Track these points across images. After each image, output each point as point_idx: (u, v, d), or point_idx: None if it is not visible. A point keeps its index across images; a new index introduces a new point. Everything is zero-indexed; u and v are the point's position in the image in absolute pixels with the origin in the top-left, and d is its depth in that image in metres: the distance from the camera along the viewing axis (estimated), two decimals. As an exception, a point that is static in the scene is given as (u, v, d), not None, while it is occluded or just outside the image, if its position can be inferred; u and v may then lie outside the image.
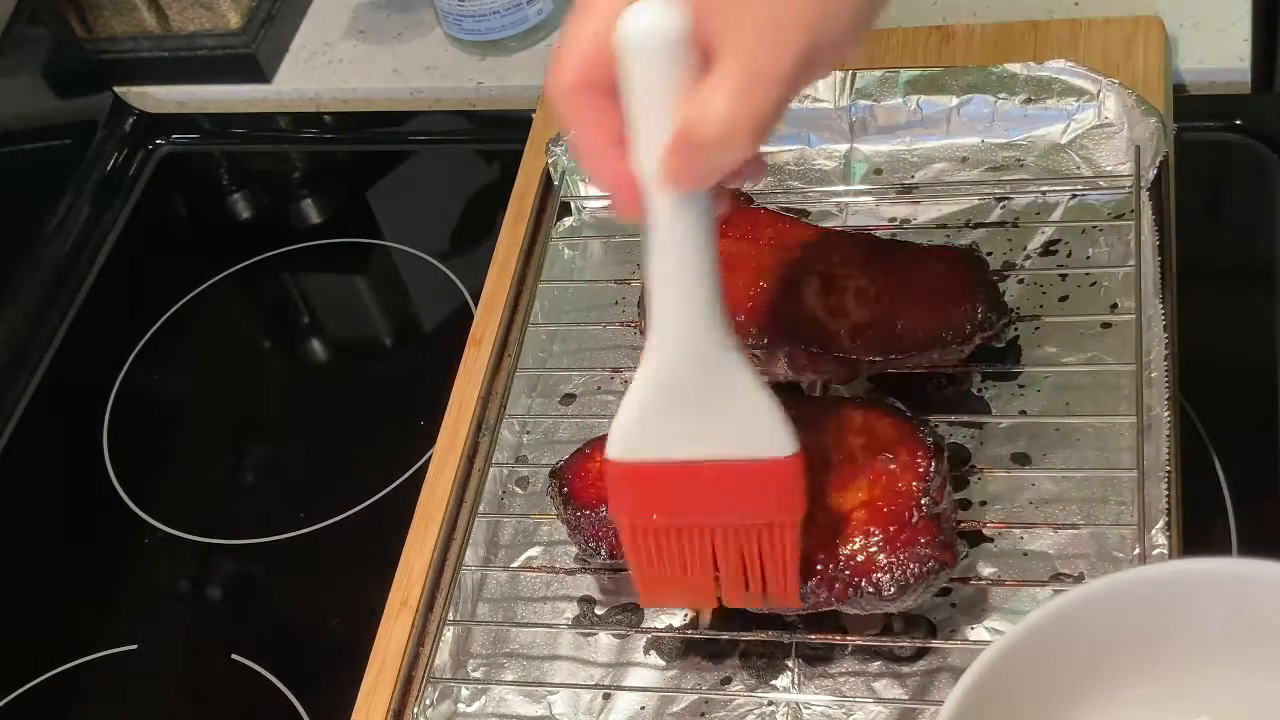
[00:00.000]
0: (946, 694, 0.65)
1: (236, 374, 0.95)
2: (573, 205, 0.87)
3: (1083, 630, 0.56)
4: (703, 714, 0.67)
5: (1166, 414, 0.68)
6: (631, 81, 0.50)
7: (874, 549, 0.63)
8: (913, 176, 0.84)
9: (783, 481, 0.61)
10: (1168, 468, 0.66)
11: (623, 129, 0.52)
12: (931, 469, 0.65)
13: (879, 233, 0.78)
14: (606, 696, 0.69)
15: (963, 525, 0.67)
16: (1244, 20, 0.87)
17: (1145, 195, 0.76)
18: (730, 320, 0.57)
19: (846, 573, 0.63)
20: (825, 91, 0.85)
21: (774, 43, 0.49)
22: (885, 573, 0.63)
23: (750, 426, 0.59)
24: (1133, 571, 0.59)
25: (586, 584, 0.73)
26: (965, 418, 0.73)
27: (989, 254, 0.78)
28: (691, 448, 0.60)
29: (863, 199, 0.83)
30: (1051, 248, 0.79)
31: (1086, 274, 0.77)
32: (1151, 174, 0.77)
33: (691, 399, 0.58)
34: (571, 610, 0.72)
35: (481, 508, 0.74)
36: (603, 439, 0.71)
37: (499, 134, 1.00)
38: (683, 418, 0.59)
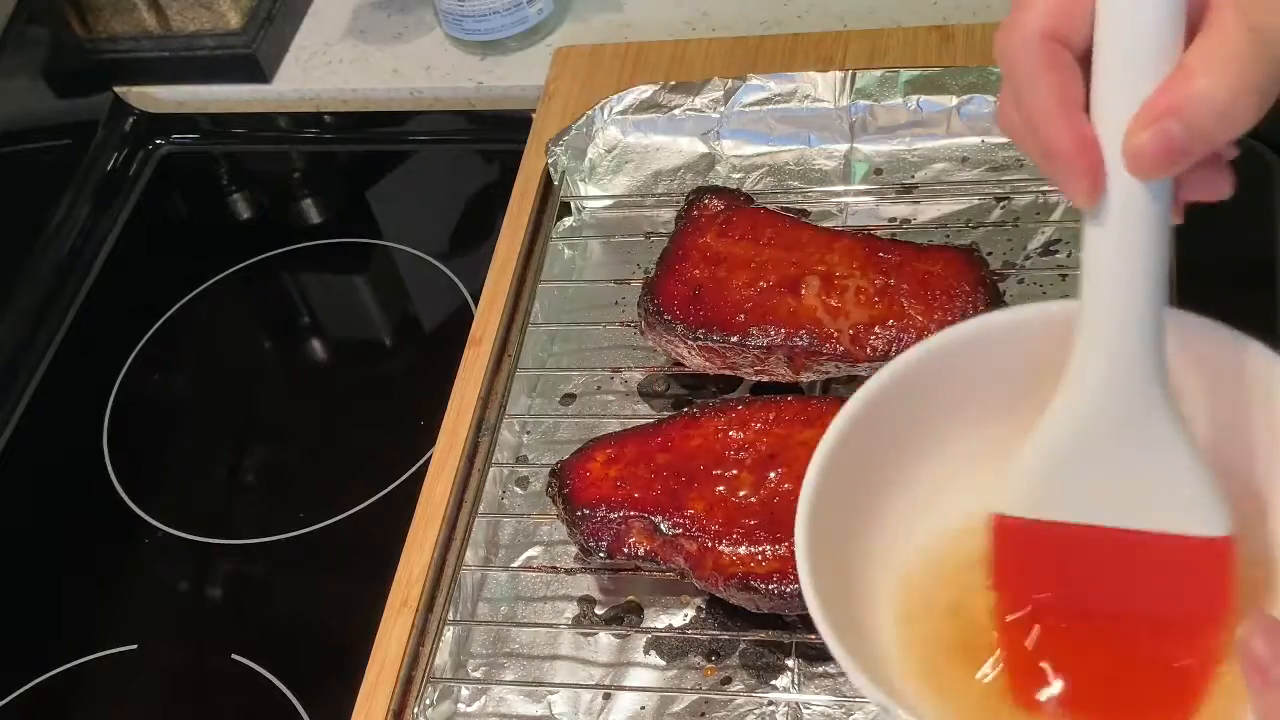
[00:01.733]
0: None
1: (236, 374, 0.95)
2: (573, 205, 0.87)
3: (940, 377, 0.53)
4: (703, 714, 0.67)
5: (1167, 414, 0.68)
6: (1113, 35, 0.43)
7: (874, 549, 0.63)
8: (913, 176, 0.84)
9: (1212, 566, 0.48)
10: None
11: (1084, 94, 0.45)
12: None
13: (879, 233, 0.78)
14: (607, 696, 0.69)
15: (963, 525, 0.67)
16: (1244, 20, 0.87)
17: (1145, 195, 0.76)
18: (1166, 353, 0.47)
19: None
20: (825, 91, 0.85)
21: None
22: (885, 573, 0.63)
23: (1175, 493, 0.48)
24: (983, 318, 0.56)
25: (586, 584, 0.73)
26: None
27: (989, 254, 0.78)
28: (1103, 512, 0.49)
29: (863, 199, 0.83)
30: (1051, 248, 0.79)
31: (1086, 274, 0.77)
32: (1151, 174, 0.77)
33: (1114, 450, 0.48)
34: (571, 610, 0.72)
35: (481, 508, 0.74)
36: (604, 438, 0.72)
37: (499, 134, 1.00)
38: (1100, 472, 0.48)
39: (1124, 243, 0.45)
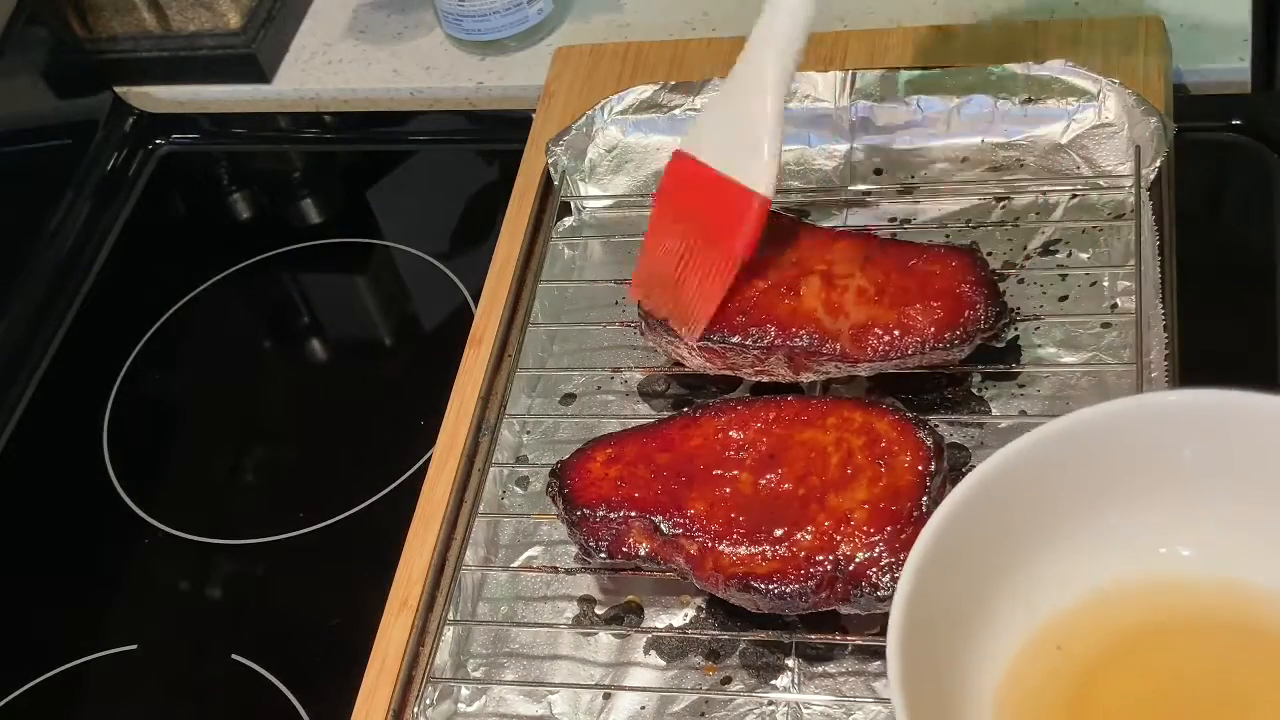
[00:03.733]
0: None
1: (236, 374, 0.95)
2: (573, 205, 0.87)
3: (1055, 464, 0.56)
4: (703, 714, 0.67)
5: (1167, 414, 0.68)
6: None
7: (874, 549, 0.63)
8: (913, 176, 0.84)
9: (752, 214, 0.71)
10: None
11: None
12: (931, 469, 0.65)
13: (879, 233, 0.78)
14: (607, 696, 0.69)
15: (963, 525, 0.67)
16: (1244, 20, 0.87)
17: (1145, 195, 0.76)
18: (795, 64, 0.71)
19: (847, 573, 0.63)
20: (825, 91, 0.85)
21: None
22: (885, 573, 0.63)
23: (754, 158, 0.71)
24: (1099, 407, 0.59)
25: (586, 584, 0.73)
26: (965, 418, 0.73)
27: (989, 254, 0.78)
28: (716, 157, 0.72)
29: (863, 199, 0.83)
30: (1051, 248, 0.79)
31: (1086, 274, 0.77)
32: (1151, 174, 0.77)
33: (735, 117, 0.71)
34: (571, 610, 0.72)
35: (481, 508, 0.74)
36: (604, 438, 0.72)
37: (499, 134, 1.00)
38: (724, 130, 0.72)
39: None
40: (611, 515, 0.68)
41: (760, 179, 0.71)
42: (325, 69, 1.06)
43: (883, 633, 0.67)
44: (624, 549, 0.69)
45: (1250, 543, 0.57)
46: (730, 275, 0.72)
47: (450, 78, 1.03)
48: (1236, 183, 0.86)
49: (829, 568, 0.64)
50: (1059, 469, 0.57)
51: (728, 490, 0.67)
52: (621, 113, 0.89)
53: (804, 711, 0.66)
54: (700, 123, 0.76)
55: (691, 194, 0.74)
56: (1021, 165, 0.82)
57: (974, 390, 0.75)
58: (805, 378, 0.74)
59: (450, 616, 0.71)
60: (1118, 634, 0.57)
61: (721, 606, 0.70)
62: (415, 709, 0.68)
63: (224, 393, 0.94)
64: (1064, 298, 0.77)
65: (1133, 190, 0.77)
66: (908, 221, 0.82)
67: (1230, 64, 0.87)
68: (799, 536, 0.65)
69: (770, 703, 0.67)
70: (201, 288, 0.98)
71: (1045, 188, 0.80)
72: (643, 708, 0.68)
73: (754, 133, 0.71)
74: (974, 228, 0.81)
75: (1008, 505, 0.56)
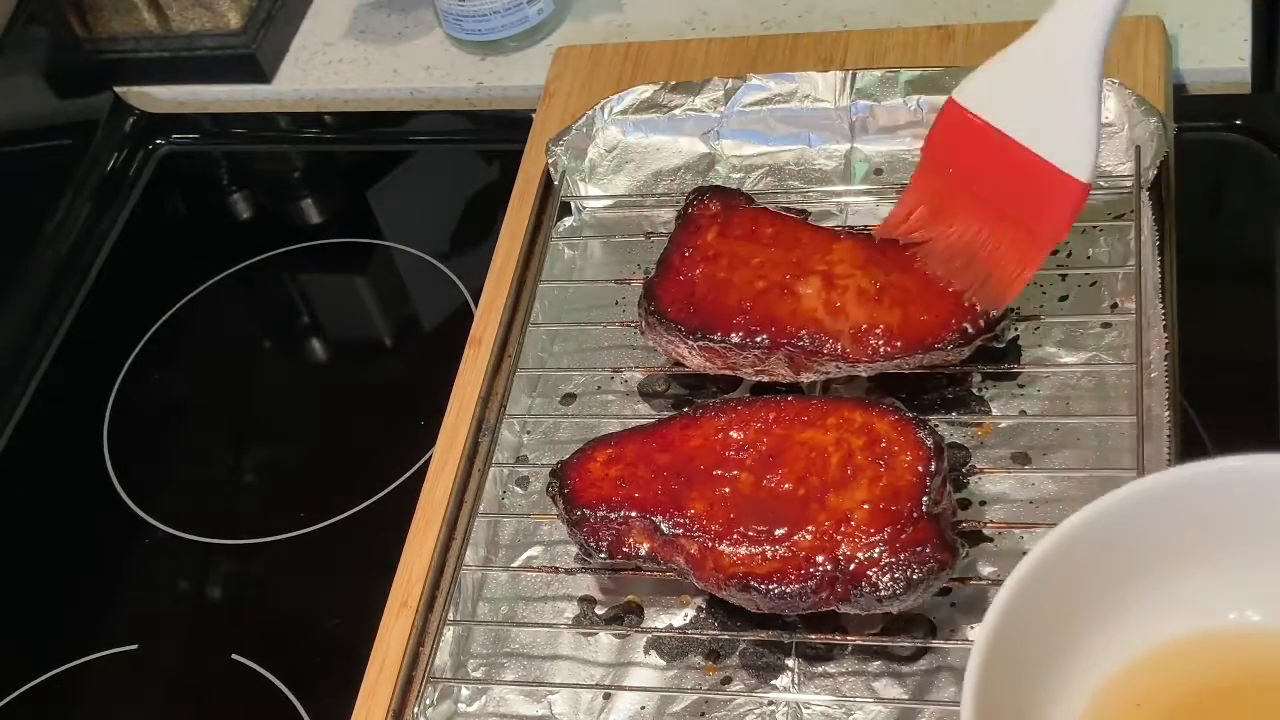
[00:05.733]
0: (946, 694, 0.65)
1: (236, 374, 0.95)
2: (573, 205, 0.87)
3: (1133, 526, 0.56)
4: (703, 714, 0.67)
5: (1166, 414, 0.68)
6: None
7: (874, 549, 0.63)
8: (913, 176, 0.84)
9: (1069, 201, 0.65)
10: (1168, 468, 0.66)
11: None
12: (931, 469, 0.65)
13: (879, 233, 0.78)
14: (607, 696, 0.69)
15: (963, 525, 0.67)
16: (1244, 20, 0.87)
17: (1145, 195, 0.76)
18: (1106, 33, 0.63)
19: (847, 573, 0.63)
20: (825, 91, 0.85)
21: None
22: (885, 573, 0.63)
23: (1070, 138, 0.64)
24: (1179, 470, 0.58)
25: (587, 584, 0.73)
26: (965, 418, 0.74)
27: (989, 254, 0.78)
28: (1015, 125, 0.65)
29: (863, 199, 0.83)
30: (1051, 248, 0.79)
31: (1086, 274, 0.77)
32: (1151, 174, 0.77)
33: (1042, 85, 0.64)
34: (572, 610, 0.72)
35: (481, 508, 0.74)
36: (604, 438, 0.72)
37: (499, 134, 1.00)
38: (1027, 98, 0.65)
39: None
40: (612, 515, 0.68)
41: (1081, 163, 0.65)
42: (325, 69, 1.06)
43: (883, 632, 0.67)
44: (624, 549, 0.69)
45: None
46: (1040, 260, 0.68)
47: (450, 78, 1.03)
48: (1236, 183, 0.86)
49: (829, 568, 0.64)
50: (1136, 531, 0.57)
51: (728, 490, 0.67)
52: (621, 113, 0.89)
53: (804, 711, 0.66)
54: (989, 79, 0.68)
55: (978, 157, 0.68)
56: (1021, 165, 0.82)
57: (974, 390, 0.75)
58: (805, 378, 0.74)
59: (450, 616, 0.71)
60: (1193, 693, 0.57)
61: (721, 606, 0.70)
62: (415, 709, 0.68)
63: (224, 393, 0.94)
64: (1064, 298, 0.77)
65: (1132, 190, 0.77)
66: (908, 221, 0.82)
67: (1230, 64, 0.87)
68: (799, 536, 0.65)
69: (770, 703, 0.67)
70: (201, 288, 0.98)
71: (1045, 188, 0.80)
72: (643, 708, 0.68)
73: (1070, 107, 0.65)
74: (974, 228, 0.81)
75: (1086, 564, 0.56)
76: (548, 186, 0.87)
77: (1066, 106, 0.65)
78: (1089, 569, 0.56)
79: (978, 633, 0.54)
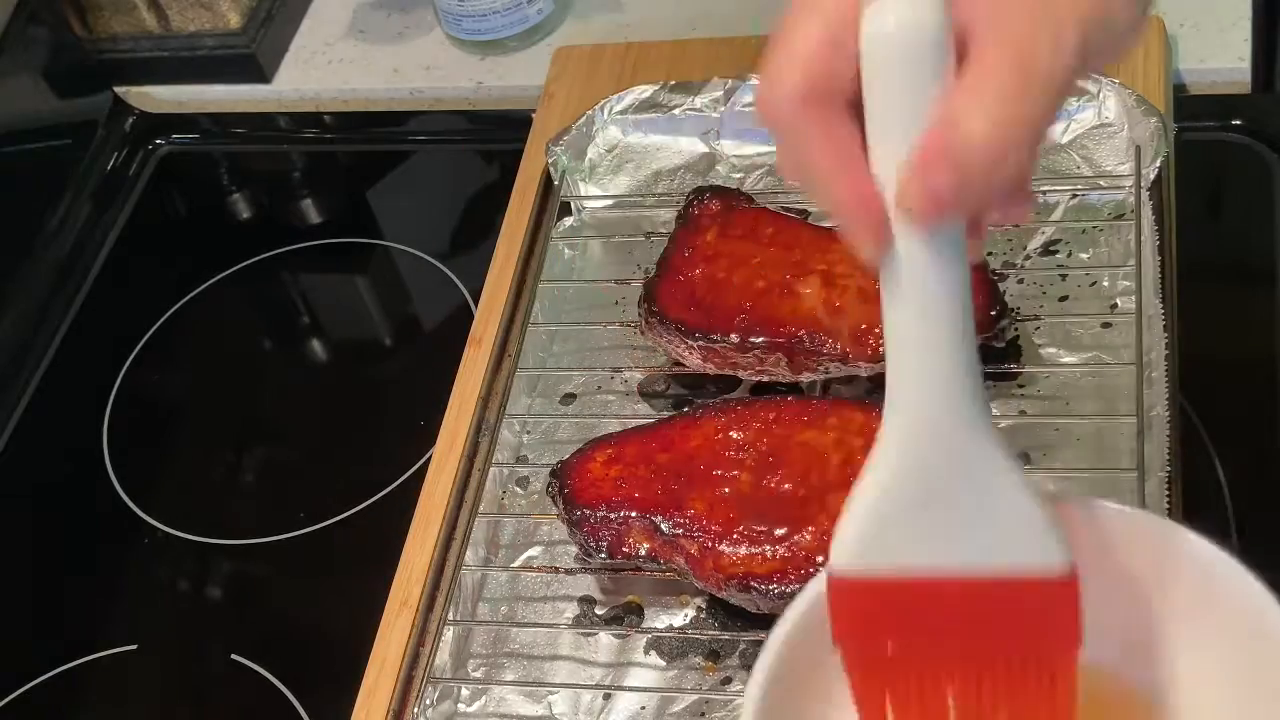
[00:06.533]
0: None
1: (236, 374, 0.95)
2: (573, 205, 0.87)
3: None
4: (703, 714, 0.67)
5: (1166, 414, 0.68)
6: (882, 87, 0.42)
7: (874, 549, 0.63)
8: (913, 176, 0.84)
9: (1056, 602, 0.48)
10: (1168, 468, 0.66)
11: (860, 146, 0.43)
12: (931, 469, 0.65)
13: (879, 233, 0.78)
14: (607, 696, 0.69)
15: (963, 525, 0.67)
16: (1244, 20, 0.87)
17: (1145, 195, 0.76)
18: (985, 394, 0.46)
19: (846, 573, 0.63)
20: (825, 91, 0.85)
21: (1048, 33, 0.40)
22: (885, 573, 0.63)
23: (1011, 530, 0.47)
24: None
25: (587, 584, 0.73)
26: (965, 418, 0.73)
27: (989, 254, 0.78)
28: (935, 556, 0.47)
29: (863, 199, 0.83)
30: (1051, 248, 0.79)
31: (1086, 274, 0.77)
32: (1151, 174, 0.77)
33: (939, 493, 0.46)
34: (572, 610, 0.72)
35: (481, 508, 0.74)
36: (604, 438, 0.72)
37: (499, 134, 1.00)
38: (927, 517, 0.47)
39: (921, 282, 0.43)
40: (611, 515, 0.68)
41: (1051, 547, 0.47)
42: (325, 69, 1.06)
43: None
44: (624, 549, 0.69)
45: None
46: (1074, 686, 0.49)
47: (450, 78, 1.03)
48: (1236, 183, 0.86)
49: (829, 568, 0.63)
50: None
51: (728, 490, 0.67)
52: (621, 113, 0.89)
53: (804, 711, 0.66)
54: (867, 519, 0.48)
55: (917, 617, 0.49)
56: (1021, 165, 0.82)
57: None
58: (805, 378, 0.74)
59: (450, 616, 0.71)
60: None
61: (721, 606, 0.70)
62: (415, 709, 0.68)
63: (224, 393, 0.94)
64: (1064, 298, 0.77)
65: (1133, 190, 0.77)
66: (908, 221, 0.82)
67: (1230, 64, 0.87)
68: (799, 537, 0.65)
69: (770, 703, 0.67)
70: (201, 288, 0.98)
71: (1045, 188, 0.80)
72: (643, 708, 0.68)
73: (989, 493, 0.47)
74: (974, 228, 0.81)
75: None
76: (548, 186, 0.87)
77: (988, 499, 0.47)
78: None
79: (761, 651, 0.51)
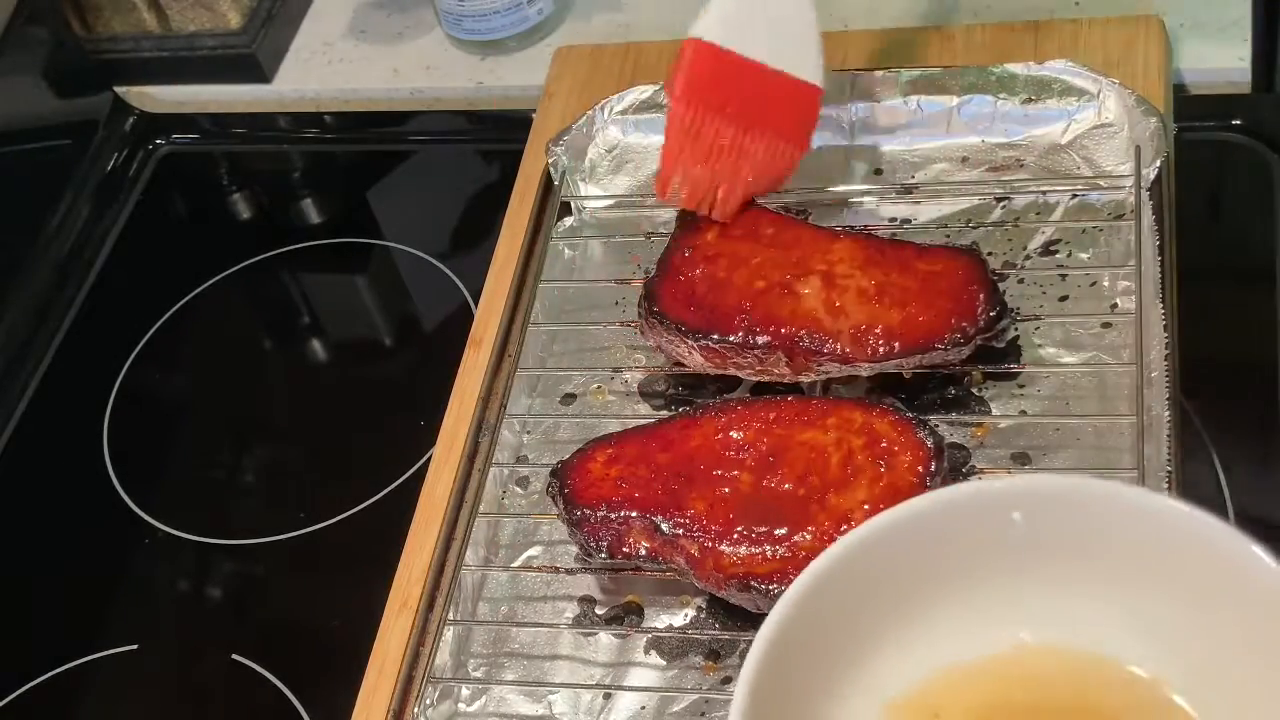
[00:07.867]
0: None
1: (236, 374, 0.95)
2: (573, 205, 0.87)
3: (881, 561, 0.56)
4: (703, 714, 0.67)
5: (1166, 414, 0.68)
6: None
7: (874, 549, 0.63)
8: (913, 176, 0.84)
9: (806, 103, 0.74)
10: (1168, 468, 0.66)
11: None
12: (931, 469, 0.65)
13: (879, 233, 0.78)
14: (607, 696, 0.69)
15: (963, 525, 0.67)
16: (1244, 20, 0.87)
17: (1145, 195, 0.76)
18: None
19: (847, 573, 0.63)
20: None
21: None
22: (885, 573, 0.63)
23: (799, 48, 0.74)
24: (933, 495, 0.58)
25: (587, 584, 0.73)
26: (965, 418, 0.73)
27: (989, 254, 0.78)
28: (755, 50, 0.73)
29: (863, 199, 0.83)
30: (1051, 248, 0.79)
31: (1086, 274, 0.77)
32: (1151, 174, 0.77)
33: (772, 6, 0.73)
34: (572, 610, 0.72)
35: (481, 508, 0.74)
36: (604, 438, 0.72)
37: (499, 134, 1.00)
38: (761, 21, 0.73)
39: None
40: (611, 515, 0.68)
41: (816, 73, 0.76)
42: (325, 69, 1.06)
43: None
44: (624, 549, 0.69)
45: (1078, 616, 0.57)
46: (794, 166, 0.77)
47: (450, 78, 1.03)
48: (1236, 183, 0.86)
49: (829, 568, 0.63)
50: (898, 558, 0.56)
51: (728, 490, 0.68)
52: (621, 113, 0.89)
53: (804, 711, 0.66)
54: (724, 14, 0.75)
55: (733, 86, 0.74)
56: (1021, 165, 0.82)
57: (974, 390, 0.75)
58: (805, 378, 0.74)
59: (450, 616, 0.71)
60: (987, 706, 0.56)
61: (721, 606, 0.70)
62: (415, 709, 0.68)
63: (224, 393, 0.94)
64: (1064, 298, 0.77)
65: (1133, 190, 0.77)
66: (908, 221, 0.82)
67: (1230, 64, 0.87)
68: (799, 537, 0.65)
69: (770, 703, 0.67)
70: (201, 288, 0.98)
71: (1045, 188, 0.80)
72: (643, 708, 0.68)
73: (795, 27, 0.75)
74: (974, 228, 0.81)
75: (851, 591, 0.56)
76: (548, 186, 0.87)
77: (792, 25, 0.74)
78: (870, 585, 0.56)
79: (743, 671, 0.53)
